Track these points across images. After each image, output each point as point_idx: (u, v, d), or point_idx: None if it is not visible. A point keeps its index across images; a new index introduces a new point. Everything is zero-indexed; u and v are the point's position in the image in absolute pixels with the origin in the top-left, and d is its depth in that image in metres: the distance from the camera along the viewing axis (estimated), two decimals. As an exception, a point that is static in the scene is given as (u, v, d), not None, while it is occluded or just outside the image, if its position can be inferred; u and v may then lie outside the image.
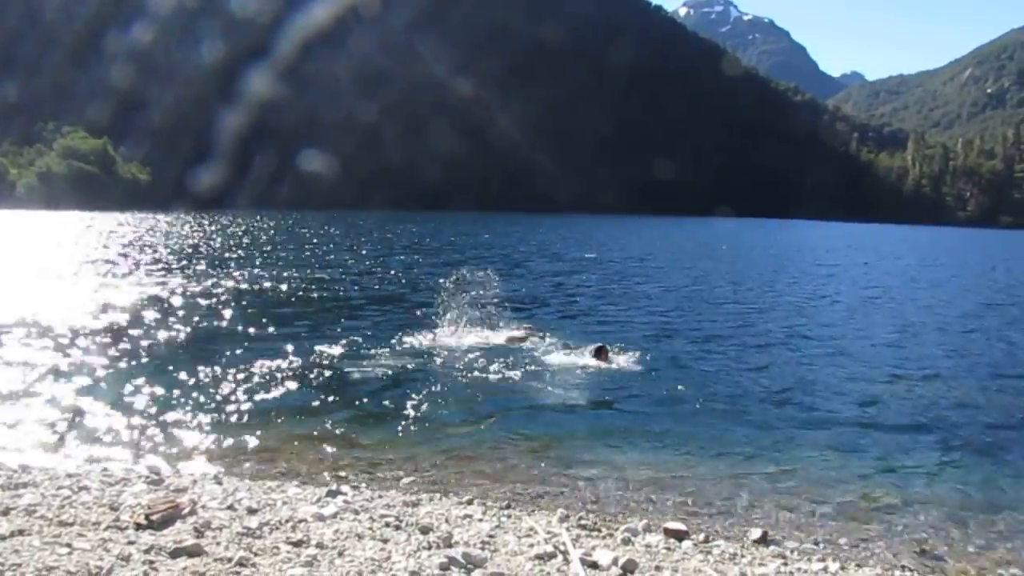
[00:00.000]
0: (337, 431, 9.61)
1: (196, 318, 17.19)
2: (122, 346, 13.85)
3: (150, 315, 17.34)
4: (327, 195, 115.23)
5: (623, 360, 13.53)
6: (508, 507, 7.17)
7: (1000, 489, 8.50)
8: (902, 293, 30.18)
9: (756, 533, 6.83)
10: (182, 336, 15.24)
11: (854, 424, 10.76)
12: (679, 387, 12.26)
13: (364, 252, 41.28)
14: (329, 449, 8.90)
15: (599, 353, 13.32)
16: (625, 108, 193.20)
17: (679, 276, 33.13)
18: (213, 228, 58.63)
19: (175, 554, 5.03)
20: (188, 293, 21.30)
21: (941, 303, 27.10)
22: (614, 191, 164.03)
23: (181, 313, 17.80)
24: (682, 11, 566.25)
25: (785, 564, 6.15)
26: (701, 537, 6.65)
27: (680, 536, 6.59)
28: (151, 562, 4.88)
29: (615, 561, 5.61)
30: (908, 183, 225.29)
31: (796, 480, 8.47)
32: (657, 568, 5.68)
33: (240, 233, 54.44)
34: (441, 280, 27.15)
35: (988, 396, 12.76)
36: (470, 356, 13.88)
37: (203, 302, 19.72)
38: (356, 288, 24.52)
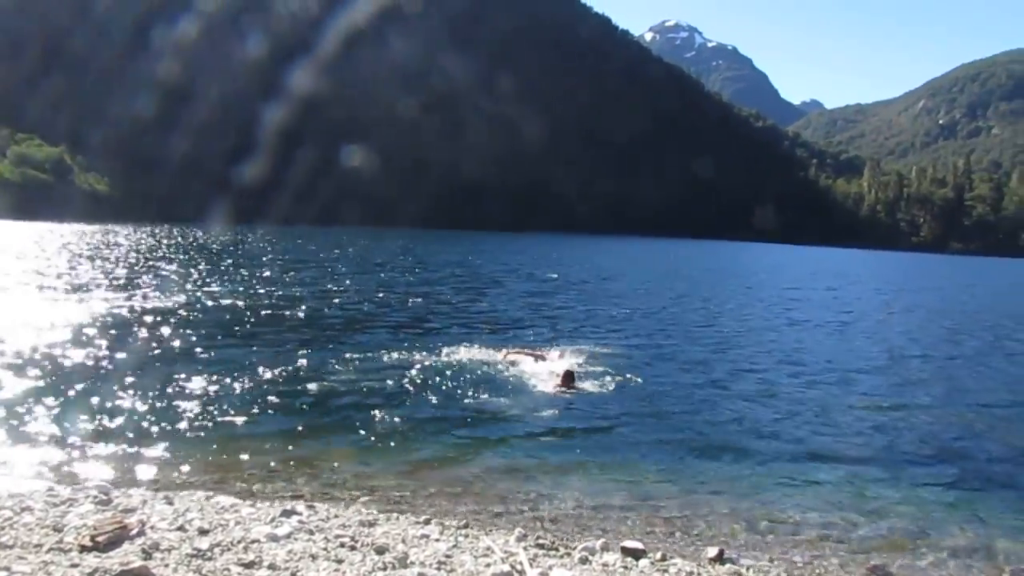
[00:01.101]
0: (294, 450, 9.48)
1: (149, 335, 16.85)
2: (72, 362, 13.52)
3: (102, 331, 16.94)
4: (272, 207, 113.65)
5: (590, 385, 13.47)
6: (466, 526, 7.12)
7: (952, 508, 8.65)
8: (868, 318, 30.61)
9: (712, 551, 6.85)
10: (135, 353, 14.88)
11: (812, 445, 10.85)
12: (643, 411, 12.26)
13: (333, 269, 40.86)
14: (285, 468, 8.77)
15: (566, 379, 13.17)
16: (604, 123, 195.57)
17: (649, 298, 33.21)
18: (170, 242, 57.71)
19: (121, 576, 4.90)
20: (142, 309, 20.88)
21: (909, 330, 27.64)
22: (587, 208, 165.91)
23: (134, 330, 17.43)
24: (648, 36, 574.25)
25: (741, 582, 6.18)
26: (658, 556, 6.64)
27: (637, 555, 6.58)
28: (95, 585, 4.75)
29: (572, 580, 5.58)
30: (864, 209, 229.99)
31: (753, 500, 8.55)
32: (613, 587, 5.67)
33: (200, 247, 53.67)
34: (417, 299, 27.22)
35: (948, 419, 12.97)
36: (435, 375, 13.80)
37: (156, 319, 19.33)
38: (324, 307, 24.25)
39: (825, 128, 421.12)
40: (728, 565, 6.67)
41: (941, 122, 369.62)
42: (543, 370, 14.23)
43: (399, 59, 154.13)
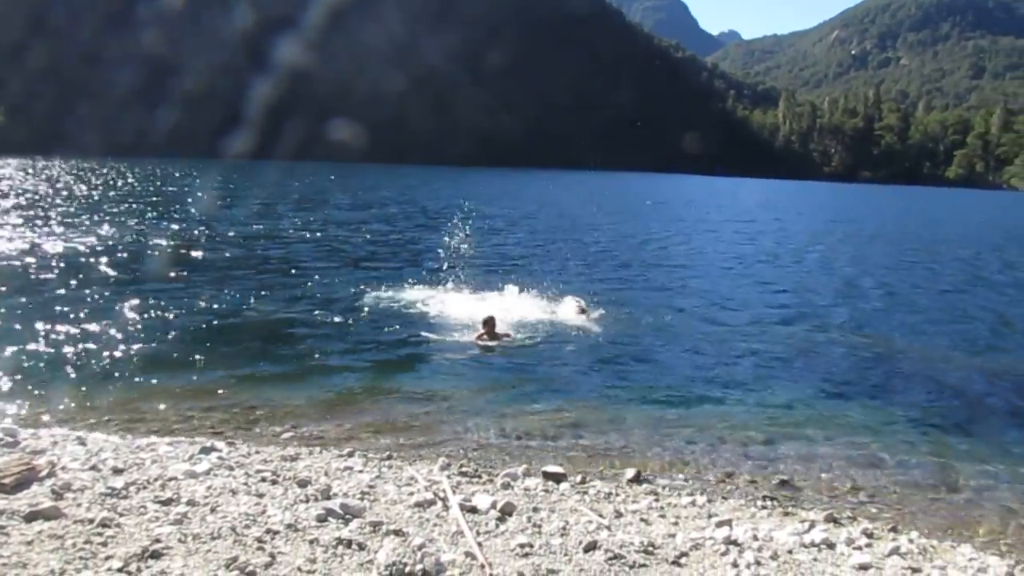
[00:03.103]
0: (213, 387, 9.31)
1: (58, 274, 16.16)
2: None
3: (6, 268, 16.18)
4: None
5: (512, 331, 12.77)
6: (389, 458, 7.16)
7: (855, 423, 9.13)
8: (790, 248, 31.45)
9: (630, 473, 7.09)
10: (43, 290, 14.27)
11: (730, 372, 11.25)
12: (571, 345, 12.33)
13: (270, 207, 39.67)
14: (204, 406, 8.62)
15: (486, 324, 12.23)
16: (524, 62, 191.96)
17: (596, 235, 32.39)
18: (74, 177, 55.01)
19: (30, 517, 4.76)
20: (52, 246, 19.97)
21: (829, 258, 28.56)
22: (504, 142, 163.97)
23: (40, 268, 16.69)
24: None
25: (657, 500, 6.42)
26: (578, 479, 6.83)
27: (558, 479, 6.76)
28: (2, 527, 4.60)
29: (494, 505, 5.70)
30: (779, 139, 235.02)
31: (671, 424, 8.83)
32: (535, 509, 5.81)
33: (109, 183, 51.32)
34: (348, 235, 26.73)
35: (869, 344, 13.47)
36: (365, 312, 13.69)
37: (67, 257, 18.55)
38: (245, 243, 23.62)
39: (743, 59, 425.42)
40: (645, 485, 6.92)
41: (853, 52, 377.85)
42: (472, 312, 13.80)
43: (386, 33, 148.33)
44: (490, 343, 12.06)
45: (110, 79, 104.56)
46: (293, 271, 18.31)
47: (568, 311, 14.14)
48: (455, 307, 14.29)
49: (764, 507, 6.53)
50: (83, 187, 44.57)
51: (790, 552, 5.37)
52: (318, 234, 26.38)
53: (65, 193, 39.55)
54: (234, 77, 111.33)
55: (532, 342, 12.47)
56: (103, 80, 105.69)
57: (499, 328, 12.38)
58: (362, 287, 15.85)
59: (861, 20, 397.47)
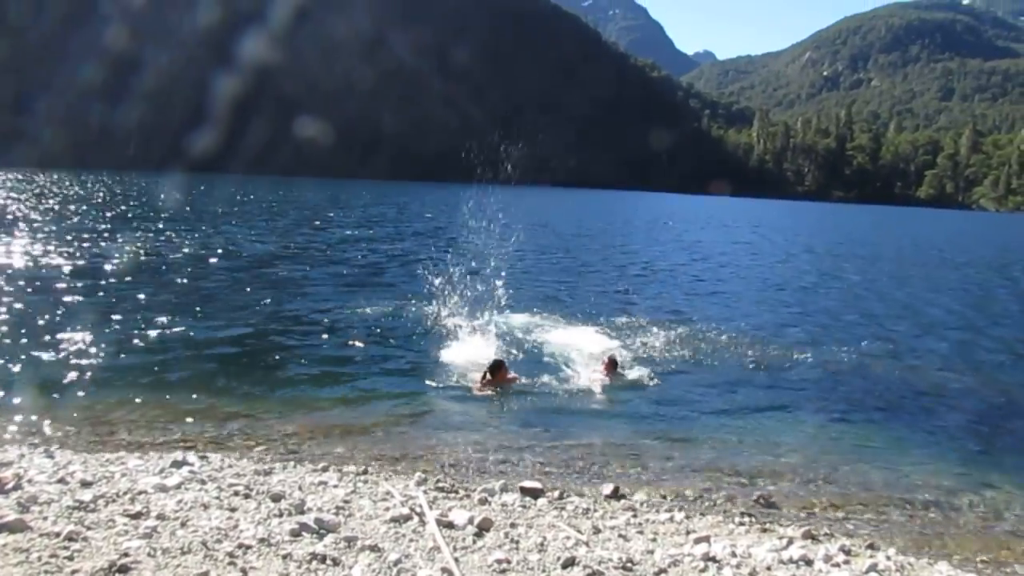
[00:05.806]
0: (186, 402, 9.15)
1: (29, 287, 15.87)
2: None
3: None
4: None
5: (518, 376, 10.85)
6: (365, 472, 7.06)
7: (832, 441, 9.18)
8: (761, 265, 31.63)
9: (608, 488, 7.03)
10: (11, 305, 14.00)
11: (704, 389, 11.19)
12: (542, 362, 12.02)
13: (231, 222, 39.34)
14: (176, 421, 8.48)
15: (496, 370, 10.40)
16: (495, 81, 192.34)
17: (588, 255, 31.97)
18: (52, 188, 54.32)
19: (-6, 531, 4.63)
20: (13, 261, 19.64)
21: (797, 273, 28.73)
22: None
23: (8, 283, 16.38)
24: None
25: (635, 516, 6.38)
26: (556, 494, 6.77)
27: (536, 494, 6.70)
28: (-35, 541, 4.47)
29: (471, 520, 5.63)
30: (753, 158, 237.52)
31: (647, 440, 8.81)
32: (512, 525, 5.74)
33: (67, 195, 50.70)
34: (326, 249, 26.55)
35: (849, 364, 13.38)
36: (343, 329, 13.51)
37: (33, 271, 18.24)
38: (218, 258, 23.37)
39: (717, 79, 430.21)
40: (623, 501, 6.87)
41: (825, 74, 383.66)
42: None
43: (354, 29, 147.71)
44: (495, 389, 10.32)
45: (71, 76, 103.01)
46: (272, 289, 18.07)
47: (595, 369, 11.40)
48: (445, 331, 13.34)
49: (742, 523, 6.51)
50: (52, 201, 43.90)
51: (768, 569, 5.34)
52: (293, 249, 26.16)
53: (36, 205, 38.97)
54: (198, 75, 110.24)
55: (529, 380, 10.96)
56: (64, 78, 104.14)
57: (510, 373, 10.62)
58: (345, 305, 15.61)
59: (833, 42, 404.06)
